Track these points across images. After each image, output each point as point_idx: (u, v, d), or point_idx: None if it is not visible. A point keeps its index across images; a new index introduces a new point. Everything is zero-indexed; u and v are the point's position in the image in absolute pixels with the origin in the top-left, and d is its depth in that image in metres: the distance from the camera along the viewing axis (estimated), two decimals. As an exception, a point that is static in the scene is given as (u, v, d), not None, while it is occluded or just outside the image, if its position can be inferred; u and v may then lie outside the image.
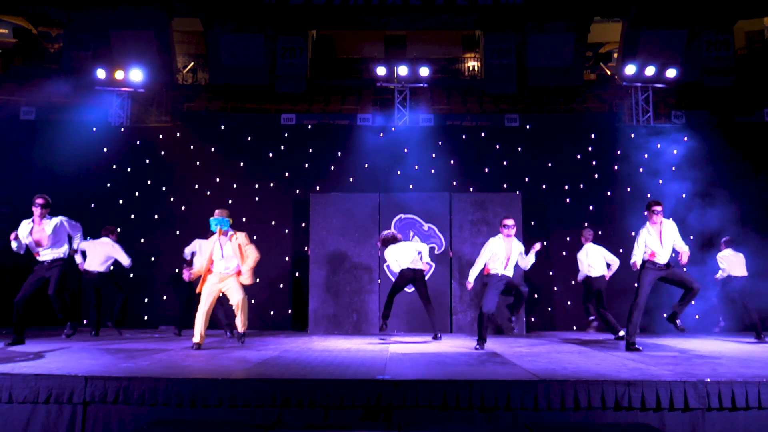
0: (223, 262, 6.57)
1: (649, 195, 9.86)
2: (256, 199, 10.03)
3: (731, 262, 8.37)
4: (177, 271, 9.60)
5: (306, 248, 9.76)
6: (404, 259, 7.91)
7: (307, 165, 10.32)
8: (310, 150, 10.36)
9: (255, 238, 8.09)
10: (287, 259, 10.03)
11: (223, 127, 10.64)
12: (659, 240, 6.44)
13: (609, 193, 10.10)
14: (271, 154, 10.36)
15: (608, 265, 8.32)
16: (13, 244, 6.49)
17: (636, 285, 6.47)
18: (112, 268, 8.58)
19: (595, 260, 8.25)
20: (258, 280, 8.73)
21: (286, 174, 10.30)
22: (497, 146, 10.39)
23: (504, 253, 6.80)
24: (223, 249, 6.55)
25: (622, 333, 7.69)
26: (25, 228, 6.54)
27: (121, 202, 10.11)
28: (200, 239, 8.49)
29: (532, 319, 9.79)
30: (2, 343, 6.56)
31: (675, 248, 6.44)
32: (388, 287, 8.22)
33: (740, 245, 8.60)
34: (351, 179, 10.18)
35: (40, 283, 6.54)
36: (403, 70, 11.61)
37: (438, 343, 7.50)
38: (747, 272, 8.37)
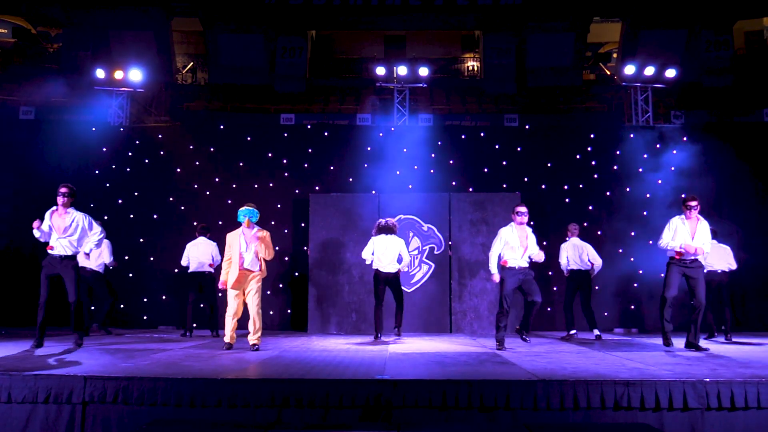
0: (246, 255, 6.56)
1: (648, 195, 9.87)
2: (256, 199, 9.98)
3: (710, 254, 7.27)
4: (177, 271, 9.61)
5: (305, 248, 9.76)
6: (385, 255, 7.96)
7: (306, 165, 10.32)
8: (310, 150, 10.36)
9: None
10: (287, 259, 10.02)
11: (222, 127, 10.64)
12: (691, 234, 6.49)
13: (608, 193, 10.09)
14: (270, 154, 10.36)
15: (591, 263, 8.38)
16: (36, 233, 6.27)
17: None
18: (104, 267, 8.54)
19: (575, 255, 8.41)
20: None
21: (286, 174, 10.30)
22: (497, 146, 10.39)
23: (518, 242, 6.64)
24: (248, 242, 6.58)
25: (597, 332, 8.25)
26: (47, 214, 6.37)
27: (120, 201, 10.11)
28: (191, 244, 8.59)
29: (531, 319, 9.76)
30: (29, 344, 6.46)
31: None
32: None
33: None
34: (350, 179, 10.18)
35: (54, 278, 6.36)
36: (402, 70, 11.60)
37: (438, 343, 7.51)
38: (735, 265, 7.88)
